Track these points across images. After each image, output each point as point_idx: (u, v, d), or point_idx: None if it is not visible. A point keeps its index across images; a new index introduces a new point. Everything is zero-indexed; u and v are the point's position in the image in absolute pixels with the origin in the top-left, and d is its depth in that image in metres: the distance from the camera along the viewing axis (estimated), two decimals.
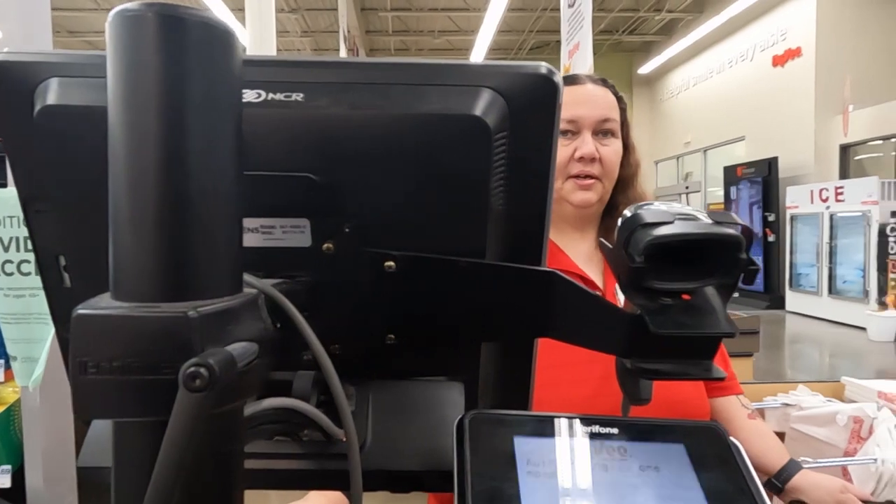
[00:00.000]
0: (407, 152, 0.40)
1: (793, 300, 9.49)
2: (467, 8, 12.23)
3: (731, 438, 0.36)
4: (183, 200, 0.26)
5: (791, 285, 9.56)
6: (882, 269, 7.61)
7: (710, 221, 0.37)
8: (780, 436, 1.40)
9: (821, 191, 8.77)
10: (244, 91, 0.40)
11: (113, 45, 0.27)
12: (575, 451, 0.34)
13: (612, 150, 1.03)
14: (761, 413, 1.45)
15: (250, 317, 0.28)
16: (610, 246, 0.41)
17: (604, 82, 1.07)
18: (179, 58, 0.27)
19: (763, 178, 10.12)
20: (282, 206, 0.40)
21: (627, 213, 0.40)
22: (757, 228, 10.21)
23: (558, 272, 0.41)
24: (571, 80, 1.06)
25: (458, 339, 0.45)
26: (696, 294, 0.39)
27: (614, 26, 13.44)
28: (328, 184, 0.39)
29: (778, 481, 1.05)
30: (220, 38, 0.28)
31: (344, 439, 0.44)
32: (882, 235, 7.59)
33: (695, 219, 0.38)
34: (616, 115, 1.05)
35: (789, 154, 9.84)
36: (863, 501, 1.03)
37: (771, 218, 10.04)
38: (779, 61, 10.34)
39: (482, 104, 0.40)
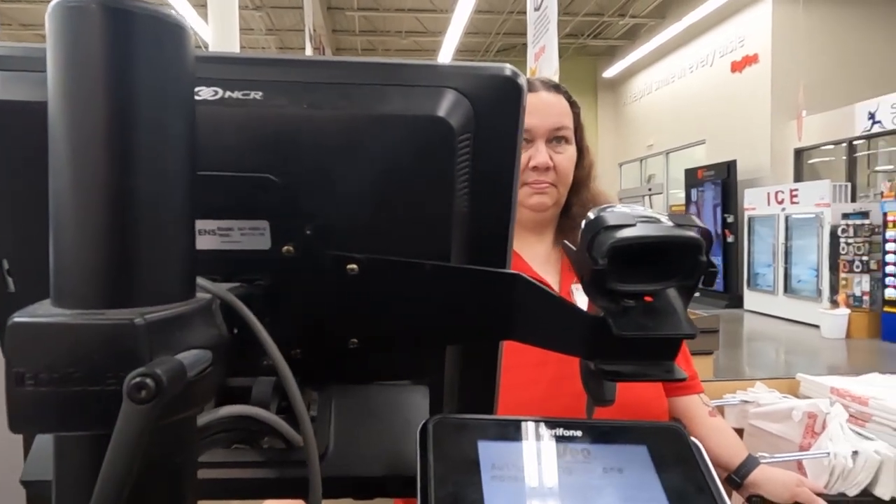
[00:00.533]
0: (369, 153, 0.39)
1: (751, 299, 9.79)
2: (434, 9, 12.23)
3: (692, 439, 0.36)
4: (128, 200, 0.25)
5: (749, 285, 9.86)
6: (834, 268, 7.91)
7: (670, 224, 0.37)
8: (739, 432, 1.44)
9: (776, 193, 9.07)
10: (200, 89, 0.38)
11: (54, 38, 0.26)
12: (539, 455, 0.33)
13: (565, 157, 1.04)
14: (721, 410, 1.48)
15: (203, 323, 0.27)
16: (573, 248, 0.41)
17: (557, 88, 1.08)
18: (125, 52, 0.26)
19: (722, 181, 10.41)
20: (240, 207, 0.39)
21: (591, 215, 0.40)
22: (717, 230, 10.51)
23: (523, 275, 0.41)
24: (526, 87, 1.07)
25: (423, 342, 0.44)
26: (658, 296, 0.39)
27: (579, 30, 13.64)
28: (288, 185, 0.38)
29: (737, 477, 1.07)
30: (169, 31, 0.27)
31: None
32: (834, 236, 7.89)
33: (656, 221, 0.38)
34: (569, 121, 1.06)
35: (747, 157, 10.15)
36: (817, 494, 1.06)
37: (730, 219, 10.34)
38: (737, 67, 10.65)
39: (446, 105, 0.40)
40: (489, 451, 0.33)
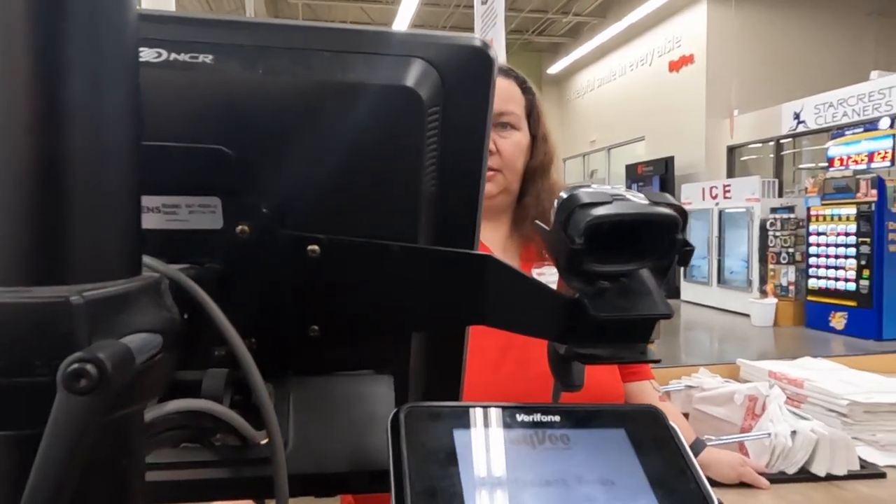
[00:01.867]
0: (332, 125, 0.36)
1: (687, 290, 10.20)
2: (380, 0, 12.09)
3: (670, 422, 0.36)
4: (60, 162, 0.21)
5: (685, 276, 10.26)
6: (763, 260, 8.34)
7: (646, 202, 0.36)
8: (685, 416, 1.48)
9: (711, 188, 9.47)
10: (142, 50, 0.34)
11: None
12: (517, 442, 0.32)
13: (510, 142, 1.02)
14: (667, 395, 1.52)
15: (152, 303, 0.24)
16: (547, 228, 0.39)
17: (508, 73, 1.06)
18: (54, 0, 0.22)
19: (661, 176, 10.79)
20: (188, 182, 0.36)
21: (564, 194, 0.39)
22: None
23: (493, 256, 0.39)
24: None
25: (389, 329, 0.42)
26: (633, 276, 0.38)
27: (524, 26, 13.80)
28: (242, 158, 0.35)
29: None
30: None
31: (262, 442, 0.40)
32: (763, 230, 8.31)
33: (631, 199, 0.37)
34: (517, 107, 1.04)
35: (684, 154, 10.56)
36: (759, 473, 1.10)
37: None
38: (674, 67, 11.05)
39: (414, 75, 0.37)
40: (465, 441, 0.31)
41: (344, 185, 0.38)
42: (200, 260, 0.37)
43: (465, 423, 0.32)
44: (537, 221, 0.42)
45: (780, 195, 8.95)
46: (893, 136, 7.10)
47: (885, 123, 7.23)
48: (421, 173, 0.38)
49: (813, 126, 8.56)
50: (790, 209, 8.16)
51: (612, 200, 0.36)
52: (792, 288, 8.04)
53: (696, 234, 9.95)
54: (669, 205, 0.37)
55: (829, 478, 1.12)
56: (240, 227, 0.37)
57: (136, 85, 0.26)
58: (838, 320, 7.26)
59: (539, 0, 12.26)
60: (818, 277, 7.55)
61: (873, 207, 6.82)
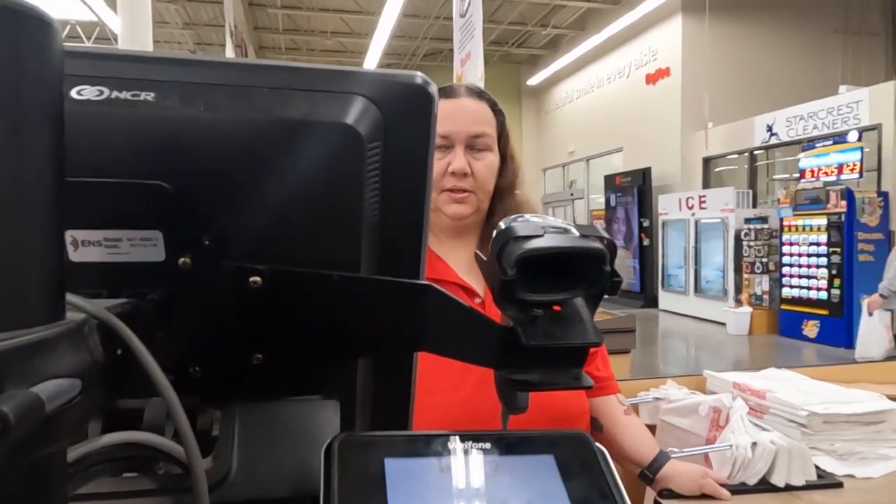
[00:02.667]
0: (272, 161, 0.37)
1: (665, 299, 10.33)
2: (360, 10, 12.13)
3: (597, 445, 0.37)
4: None
5: (663, 285, 10.40)
6: (738, 269, 8.49)
7: (577, 235, 0.38)
8: (653, 428, 1.51)
9: (687, 199, 9.63)
10: (83, 87, 0.35)
11: None
12: (446, 470, 0.33)
13: (484, 164, 1.03)
14: (636, 407, 1.55)
15: (70, 348, 0.24)
16: (485, 258, 0.41)
17: (480, 95, 1.07)
18: None
19: (638, 187, 10.94)
20: (130, 216, 0.36)
21: (502, 225, 0.40)
22: (634, 234, 11.03)
23: (434, 285, 0.40)
24: (447, 92, 1.06)
25: (332, 356, 0.43)
26: (566, 305, 0.40)
27: (504, 38, 13.94)
28: (182, 192, 0.36)
29: (649, 472, 1.12)
30: (25, 23, 0.24)
31: (206, 468, 0.41)
32: (737, 240, 8.47)
33: (564, 232, 0.39)
34: (490, 128, 1.05)
35: (661, 165, 10.72)
36: (721, 485, 1.13)
37: (646, 224, 10.88)
38: (651, 79, 11.24)
39: (354, 112, 0.39)
40: (396, 469, 0.32)
41: (285, 217, 0.39)
42: (143, 291, 0.38)
43: (396, 452, 0.33)
44: (477, 251, 0.43)
45: (755, 206, 9.13)
46: (861, 148, 7.31)
47: (853, 136, 7.44)
48: (362, 205, 0.40)
49: (785, 138, 8.76)
50: (764, 219, 8.33)
51: (544, 233, 0.38)
52: (766, 297, 8.19)
53: (673, 243, 10.10)
54: (599, 238, 0.38)
55: (788, 488, 1.15)
56: (182, 260, 0.37)
57: (60, 126, 0.27)
58: (811, 329, 7.41)
59: (518, 12, 12.40)
60: (791, 286, 7.70)
61: (843, 218, 6.99)
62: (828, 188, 7.24)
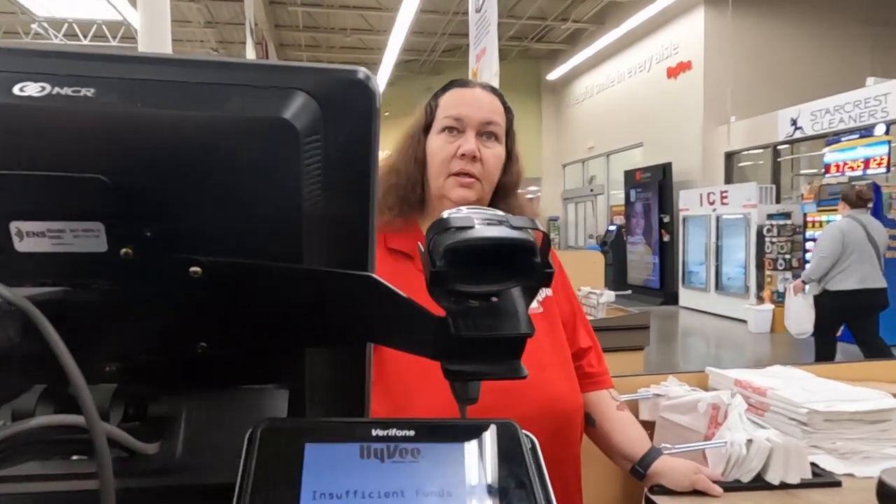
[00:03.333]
0: (209, 155, 0.38)
1: (685, 296, 10.20)
2: (379, 7, 12.16)
3: (526, 434, 0.37)
4: None
5: (683, 282, 10.27)
6: (760, 266, 8.34)
7: (508, 227, 0.38)
8: (652, 424, 1.50)
9: (708, 194, 9.48)
10: (25, 84, 0.37)
11: None
12: (367, 456, 0.34)
13: (493, 152, 1.06)
14: (636, 403, 1.54)
15: None
16: (423, 249, 0.41)
17: (493, 90, 1.10)
18: None
19: (659, 182, 10.80)
20: (72, 208, 0.38)
21: (442, 216, 0.41)
22: (654, 230, 10.90)
23: (374, 276, 0.41)
24: (463, 83, 1.11)
25: (276, 345, 0.44)
26: (503, 296, 0.40)
27: (523, 33, 13.85)
28: (121, 186, 0.37)
29: (640, 467, 1.12)
30: None
31: (151, 453, 0.42)
32: (760, 236, 8.32)
33: (497, 224, 0.39)
34: (501, 120, 1.08)
35: (682, 160, 10.58)
36: (714, 481, 1.11)
37: (666, 220, 10.74)
38: (672, 73, 11.08)
39: (292, 107, 0.39)
40: (316, 454, 0.33)
41: (224, 210, 0.40)
42: (88, 281, 0.39)
43: (318, 438, 0.34)
44: (419, 242, 0.44)
45: (778, 201, 8.96)
46: (889, 142, 7.12)
47: (880, 130, 7.25)
48: (300, 198, 0.40)
49: (810, 132, 8.57)
50: (787, 215, 8.17)
51: (475, 225, 0.38)
52: None
53: (694, 240, 9.96)
54: (530, 229, 0.39)
55: (784, 486, 1.13)
56: (124, 251, 0.39)
57: None
58: None
59: (537, 7, 12.32)
60: None
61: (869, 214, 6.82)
62: (853, 183, 7.07)
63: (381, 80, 12.90)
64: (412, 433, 0.35)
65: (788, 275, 8.02)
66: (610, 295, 4.01)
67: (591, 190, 14.60)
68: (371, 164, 0.43)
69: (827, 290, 4.87)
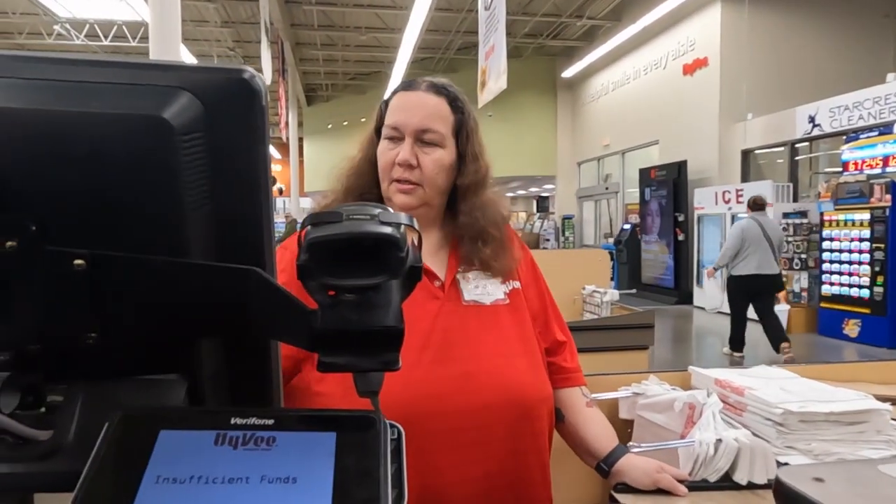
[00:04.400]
0: (84, 151, 0.39)
1: (699, 295, 10.07)
2: (394, 6, 12.19)
3: (390, 423, 0.38)
4: None
5: (698, 281, 10.14)
6: None
7: (375, 221, 0.39)
8: (630, 423, 1.49)
9: (724, 193, 9.35)
10: None
11: None
12: (220, 443, 0.35)
13: (431, 159, 1.04)
14: (614, 402, 1.53)
15: None
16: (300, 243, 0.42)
17: (441, 90, 1.07)
18: None
19: (673, 181, 10.68)
20: None
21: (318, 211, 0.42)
22: (668, 228, 10.78)
23: (257, 269, 0.42)
24: (407, 85, 1.08)
25: (163, 336, 0.45)
26: (379, 290, 0.41)
27: (538, 30, 13.79)
28: (3, 179, 0.39)
29: (605, 465, 1.11)
30: None
31: (42, 439, 0.44)
32: None
33: (367, 219, 0.40)
34: (441, 125, 1.05)
35: (697, 158, 10.44)
36: (680, 480, 1.11)
37: (681, 218, 10.61)
38: (688, 70, 10.94)
39: (171, 105, 0.40)
40: (169, 441, 0.34)
41: (106, 204, 0.41)
42: None
43: (175, 425, 0.35)
44: (299, 236, 0.45)
45: (796, 199, 8.80)
46: None
47: None
48: (180, 193, 0.42)
49: (828, 129, 8.41)
50: (803, 214, 8.02)
51: (343, 220, 0.39)
52: (805, 294, 7.90)
53: (709, 238, 9.83)
54: (398, 225, 0.39)
55: (752, 486, 1.12)
56: (8, 244, 0.40)
57: None
58: (851, 328, 7.11)
59: (553, 4, 12.24)
60: (831, 284, 7.40)
61: (888, 212, 6.68)
62: (871, 181, 6.92)
63: (396, 77, 12.96)
64: (270, 422, 0.36)
65: (805, 275, 7.88)
66: (614, 294, 3.98)
67: (607, 188, 14.48)
68: (258, 160, 0.44)
69: (732, 275, 6.22)
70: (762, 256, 6.01)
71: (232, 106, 0.42)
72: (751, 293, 6.15)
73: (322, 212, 0.40)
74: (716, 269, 6.49)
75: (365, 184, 1.07)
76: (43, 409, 0.46)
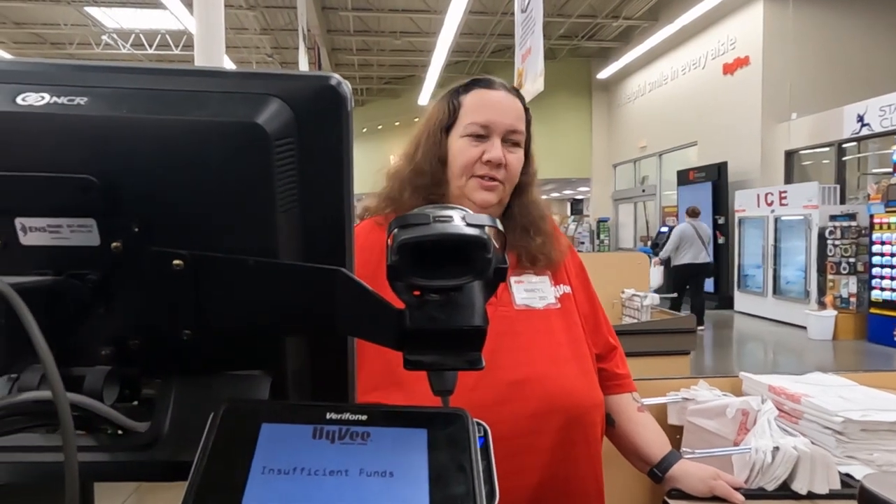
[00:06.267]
0: (186, 156, 0.41)
1: (740, 300, 9.82)
2: (428, 10, 12.26)
3: (477, 422, 0.39)
4: None
5: (739, 286, 9.89)
6: (821, 270, 7.94)
7: (462, 224, 0.40)
8: (680, 429, 1.47)
9: (766, 195, 9.10)
10: (27, 94, 0.41)
11: None
12: (319, 437, 0.36)
13: (516, 157, 1.07)
14: (664, 407, 1.51)
15: None
16: (389, 245, 0.43)
17: (516, 92, 1.11)
18: None
19: (713, 183, 10.44)
20: (67, 206, 0.42)
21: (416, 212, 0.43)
22: (708, 231, 10.54)
23: (342, 269, 0.43)
24: (487, 83, 1.09)
25: (256, 334, 0.47)
26: (463, 291, 0.42)
27: (573, 32, 13.67)
28: (109, 185, 0.41)
29: (658, 471, 1.10)
30: None
31: (141, 431, 0.46)
32: (821, 238, 7.92)
33: (453, 221, 0.41)
34: (523, 126, 1.09)
35: (738, 159, 10.19)
36: (736, 488, 1.09)
37: (721, 221, 10.37)
38: (728, 69, 10.69)
39: (265, 112, 0.42)
40: (271, 433, 0.36)
41: (203, 206, 0.43)
42: (83, 272, 0.43)
43: (275, 419, 0.37)
44: (388, 239, 0.46)
45: (843, 202, 8.50)
46: None
47: None
48: (274, 196, 0.43)
49: (878, 129, 8.10)
50: (851, 217, 7.75)
51: (430, 222, 0.40)
52: (853, 300, 7.62)
53: (751, 242, 9.58)
54: (484, 226, 0.40)
55: (812, 496, 1.09)
56: (114, 244, 0.43)
57: None
58: None
59: (588, 4, 12.13)
60: (882, 289, 7.13)
61: None
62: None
63: (430, 81, 13.03)
64: (364, 418, 0.37)
65: (853, 279, 7.61)
66: (654, 297, 3.91)
67: (643, 190, 14.25)
68: (344, 164, 0.46)
69: (674, 265, 8.40)
70: (696, 250, 8.28)
71: (320, 111, 0.44)
72: (687, 278, 8.32)
73: (409, 214, 0.41)
74: (662, 260, 8.55)
75: (431, 183, 1.07)
76: (136, 403, 0.48)
